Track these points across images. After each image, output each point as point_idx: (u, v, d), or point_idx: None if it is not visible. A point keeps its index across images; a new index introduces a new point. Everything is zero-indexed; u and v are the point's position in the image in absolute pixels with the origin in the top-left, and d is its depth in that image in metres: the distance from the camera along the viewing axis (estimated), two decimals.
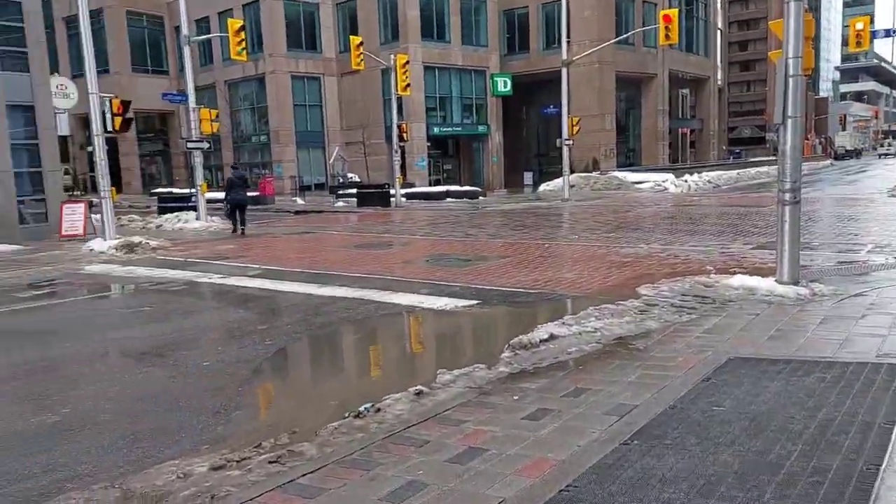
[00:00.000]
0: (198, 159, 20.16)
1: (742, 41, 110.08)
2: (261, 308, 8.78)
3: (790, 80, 7.96)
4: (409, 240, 15.96)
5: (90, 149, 55.97)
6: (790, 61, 7.98)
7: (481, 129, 44.68)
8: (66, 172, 51.63)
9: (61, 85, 18.00)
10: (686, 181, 33.35)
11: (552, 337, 6.71)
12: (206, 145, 20.52)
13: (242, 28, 20.12)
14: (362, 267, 11.79)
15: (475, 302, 8.65)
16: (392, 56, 28.51)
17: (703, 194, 29.87)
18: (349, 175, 40.54)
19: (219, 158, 45.65)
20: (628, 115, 49.63)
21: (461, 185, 37.52)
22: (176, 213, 21.04)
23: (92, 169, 50.79)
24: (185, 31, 20.03)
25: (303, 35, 42.72)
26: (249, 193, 35.25)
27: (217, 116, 20.88)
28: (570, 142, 29.70)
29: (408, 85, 28.64)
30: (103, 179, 14.75)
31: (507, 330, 7.66)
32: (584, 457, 3.89)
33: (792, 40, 7.97)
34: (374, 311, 8.38)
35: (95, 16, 45.64)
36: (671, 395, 4.89)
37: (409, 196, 32.49)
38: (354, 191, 32.33)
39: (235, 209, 18.53)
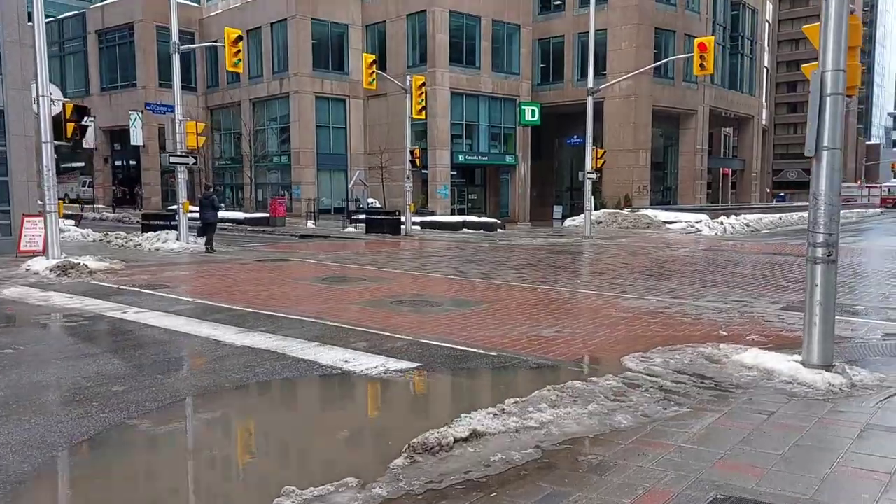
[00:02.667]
0: (181, 175, 18.70)
1: (791, 82, 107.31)
2: (143, 358, 7.05)
3: (827, 99, 5.96)
4: (389, 274, 14.15)
5: (117, 163, 55.03)
6: (828, 75, 5.99)
7: (509, 159, 42.94)
8: (88, 185, 51.28)
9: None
10: (721, 223, 31.05)
11: (475, 435, 4.83)
12: (191, 160, 19.07)
13: (239, 39, 18.75)
14: (311, 306, 10.04)
15: (414, 365, 6.83)
16: (409, 79, 26.99)
17: (738, 238, 27.55)
18: (370, 200, 39.06)
19: (240, 178, 44.71)
20: (666, 152, 47.61)
21: (485, 216, 35.70)
22: (157, 233, 19.56)
23: (120, 183, 50.74)
24: (174, 38, 18.72)
25: (330, 56, 41.69)
26: (260, 215, 34.61)
27: (203, 130, 19.48)
28: (594, 175, 27.77)
29: (423, 108, 27.10)
30: (49, 192, 13.24)
31: (428, 414, 5.82)
32: None
33: (831, 49, 6.00)
34: (278, 372, 6.59)
35: (127, 30, 45.74)
36: None
37: (423, 224, 30.90)
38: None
39: (206, 228, 18.25)
